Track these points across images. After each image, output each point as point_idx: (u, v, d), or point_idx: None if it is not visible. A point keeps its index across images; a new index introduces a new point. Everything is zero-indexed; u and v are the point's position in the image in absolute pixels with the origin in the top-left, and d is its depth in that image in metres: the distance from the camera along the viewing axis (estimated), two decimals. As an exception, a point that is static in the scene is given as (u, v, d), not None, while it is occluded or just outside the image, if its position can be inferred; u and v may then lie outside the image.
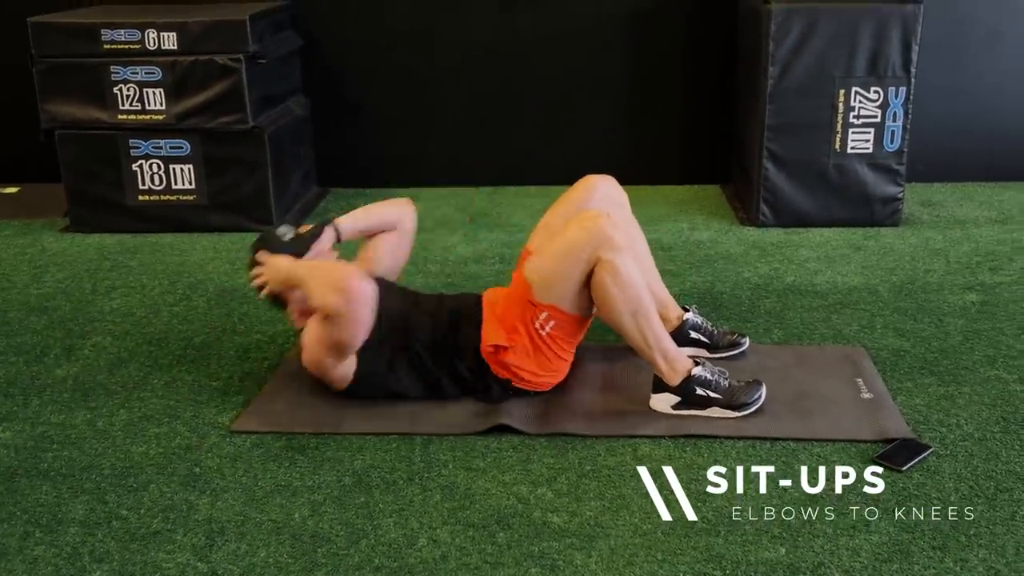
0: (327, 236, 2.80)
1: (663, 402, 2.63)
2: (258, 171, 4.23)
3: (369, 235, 2.98)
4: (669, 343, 2.61)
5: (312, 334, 2.61)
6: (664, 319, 2.78)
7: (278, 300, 2.75)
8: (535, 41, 4.75)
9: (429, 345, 2.67)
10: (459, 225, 4.32)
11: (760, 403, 2.61)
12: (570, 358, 2.73)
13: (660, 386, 2.63)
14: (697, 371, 2.59)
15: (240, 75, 4.08)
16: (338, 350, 2.59)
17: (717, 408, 2.58)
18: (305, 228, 2.84)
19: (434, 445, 2.50)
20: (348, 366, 2.64)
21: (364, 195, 4.79)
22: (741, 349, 2.95)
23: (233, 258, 3.93)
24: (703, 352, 2.91)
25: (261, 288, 2.72)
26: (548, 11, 4.71)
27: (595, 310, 2.65)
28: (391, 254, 2.98)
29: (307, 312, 2.68)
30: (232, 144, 4.19)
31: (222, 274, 3.77)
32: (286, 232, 2.78)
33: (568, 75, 4.80)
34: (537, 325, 2.61)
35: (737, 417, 2.57)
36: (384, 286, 2.73)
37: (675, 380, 2.59)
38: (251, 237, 4.15)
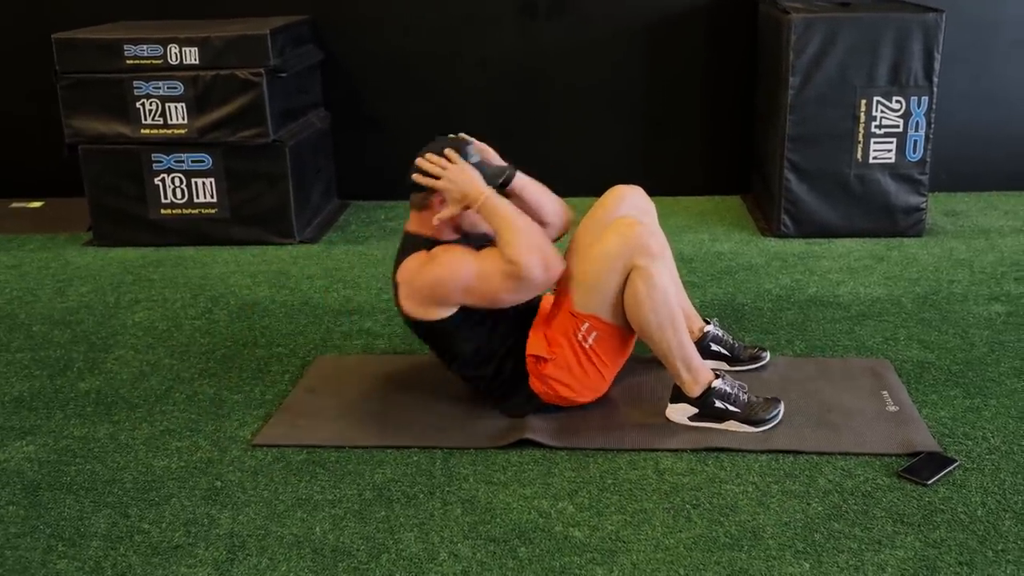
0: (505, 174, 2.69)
1: (680, 412, 2.62)
2: (279, 184, 4.25)
3: (521, 206, 2.69)
4: (694, 354, 2.60)
5: (461, 268, 2.52)
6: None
7: (426, 197, 2.61)
8: (556, 54, 4.76)
9: (503, 334, 2.63)
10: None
11: (778, 420, 2.59)
12: (611, 377, 2.69)
13: (679, 396, 2.62)
14: (718, 384, 2.58)
15: (261, 89, 4.10)
16: (480, 298, 2.53)
17: (734, 422, 2.57)
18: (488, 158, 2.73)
19: (455, 459, 2.50)
20: (450, 308, 2.58)
21: (384, 208, 4.81)
22: (762, 363, 2.93)
23: (254, 271, 3.95)
24: (724, 365, 2.89)
25: (429, 176, 2.57)
26: (568, 24, 4.71)
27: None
28: None
29: (436, 227, 2.61)
30: (253, 158, 4.22)
31: (243, 287, 3.79)
32: (473, 154, 2.64)
33: (589, 88, 4.80)
34: (580, 337, 2.59)
35: (754, 432, 2.56)
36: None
37: (695, 391, 2.58)
38: (272, 250, 4.22)
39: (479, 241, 2.66)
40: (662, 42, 4.74)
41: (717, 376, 2.60)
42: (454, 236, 2.66)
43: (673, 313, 2.54)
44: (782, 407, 2.61)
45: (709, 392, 2.57)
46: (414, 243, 2.65)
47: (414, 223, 2.69)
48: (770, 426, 2.57)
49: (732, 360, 2.92)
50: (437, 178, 2.56)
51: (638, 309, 2.52)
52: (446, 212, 2.56)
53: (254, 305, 3.60)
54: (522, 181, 2.73)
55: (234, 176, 4.25)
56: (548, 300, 2.78)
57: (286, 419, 2.73)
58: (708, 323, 2.95)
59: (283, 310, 3.55)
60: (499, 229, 2.50)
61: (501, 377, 2.66)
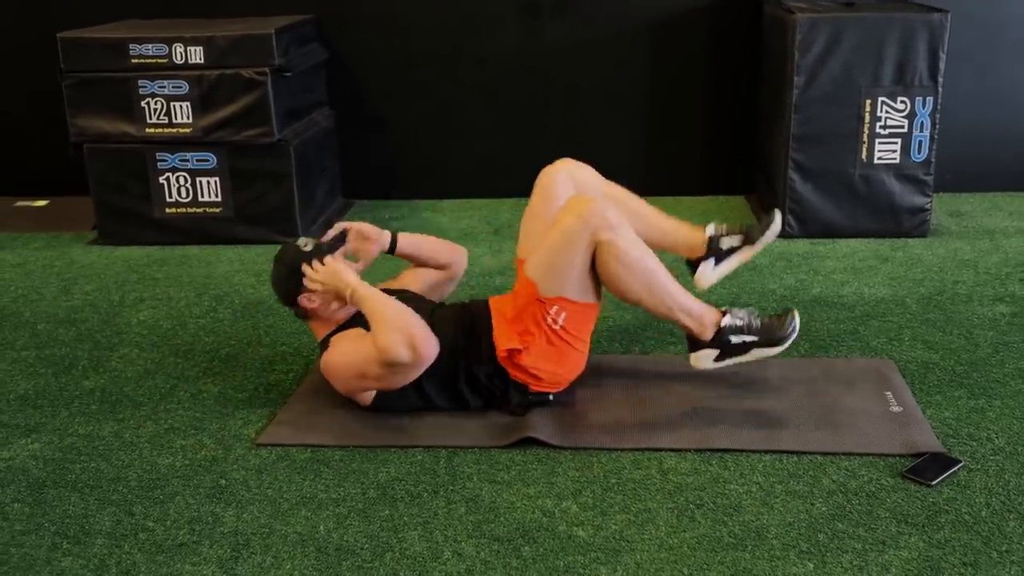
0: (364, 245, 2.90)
1: (704, 359, 2.64)
2: (284, 183, 4.25)
3: (418, 263, 3.01)
4: (690, 300, 2.61)
5: (349, 357, 2.63)
6: (688, 248, 2.82)
7: (297, 307, 2.77)
8: (558, 54, 4.76)
9: (448, 354, 2.66)
10: (484, 237, 4.32)
11: (796, 332, 2.59)
12: (586, 350, 2.71)
13: (695, 344, 2.63)
14: (727, 321, 2.59)
15: (266, 88, 4.10)
16: (374, 382, 2.62)
17: (757, 350, 2.59)
18: (328, 235, 2.87)
19: (459, 458, 2.50)
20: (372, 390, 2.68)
21: (388, 206, 4.82)
22: (775, 220, 2.81)
23: (259, 270, 3.95)
24: (747, 250, 2.84)
25: (307, 290, 2.71)
26: (571, 24, 4.71)
27: (603, 290, 2.66)
28: (430, 291, 3.00)
29: (328, 320, 2.73)
30: (258, 157, 4.22)
31: (248, 286, 3.79)
32: (306, 243, 2.79)
33: (591, 87, 4.80)
34: (549, 320, 2.60)
35: (778, 352, 2.59)
36: (413, 300, 2.75)
37: (707, 334, 2.60)
38: (277, 249, 4.21)
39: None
40: (665, 42, 4.74)
41: (724, 312, 2.60)
42: (346, 316, 2.76)
43: (653, 271, 2.56)
44: (796, 317, 2.61)
45: (721, 332, 2.58)
46: (324, 345, 2.75)
47: (316, 330, 2.81)
48: (792, 339, 2.58)
49: (749, 240, 2.84)
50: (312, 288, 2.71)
51: (619, 283, 2.55)
52: (316, 299, 2.73)
53: (258, 304, 3.60)
54: (406, 241, 2.97)
55: (239, 175, 4.25)
56: (503, 300, 2.79)
57: (290, 418, 2.74)
58: (705, 228, 2.88)
59: (287, 309, 3.53)
60: (368, 318, 2.59)
61: (479, 388, 2.68)
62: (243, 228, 4.30)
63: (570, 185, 2.81)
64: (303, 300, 2.73)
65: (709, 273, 2.81)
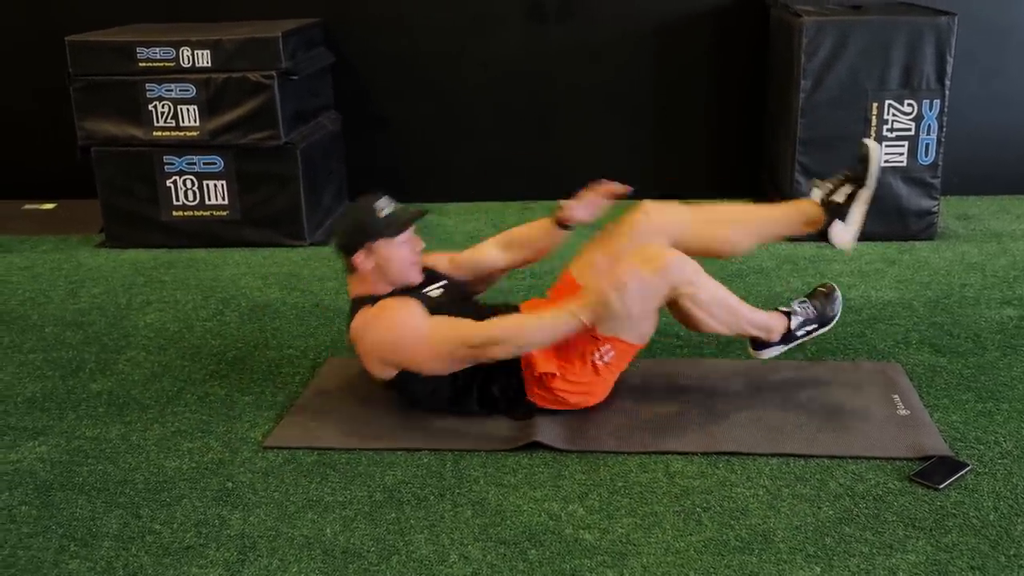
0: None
1: (770, 353, 2.77)
2: (290, 186, 4.26)
3: (532, 250, 2.95)
4: (758, 315, 2.71)
5: (400, 332, 2.58)
6: (809, 222, 2.80)
7: (350, 260, 2.72)
8: (562, 56, 4.76)
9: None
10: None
11: (841, 305, 2.80)
12: (613, 380, 2.71)
13: (762, 345, 2.76)
14: (795, 323, 2.74)
15: (273, 92, 4.11)
16: (409, 356, 2.59)
17: (817, 332, 2.78)
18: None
19: (465, 461, 2.50)
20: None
21: (395, 210, 4.82)
22: (870, 149, 2.77)
23: (266, 273, 3.96)
24: (862, 192, 2.79)
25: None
26: (576, 27, 4.72)
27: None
28: (478, 278, 2.97)
29: (369, 283, 2.72)
30: (265, 160, 4.23)
31: (254, 289, 3.80)
32: (384, 207, 2.74)
33: (596, 89, 4.80)
34: (596, 357, 2.60)
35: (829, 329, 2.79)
36: (453, 291, 2.79)
37: (776, 337, 2.74)
38: (283, 252, 4.24)
39: (414, 292, 2.72)
40: (670, 45, 4.74)
41: (788, 315, 2.74)
42: (388, 289, 2.72)
43: (729, 305, 2.64)
44: (837, 291, 2.81)
45: (789, 334, 2.74)
46: (359, 303, 2.71)
47: (354, 287, 2.77)
48: (839, 312, 2.80)
49: (858, 183, 2.79)
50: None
51: (700, 325, 2.66)
52: (369, 263, 2.71)
53: (265, 307, 3.61)
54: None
55: (245, 178, 4.26)
56: (535, 306, 2.80)
57: (297, 421, 2.74)
58: (811, 195, 2.86)
59: (294, 312, 3.56)
60: (536, 340, 2.53)
61: (487, 397, 2.67)
62: (250, 231, 4.30)
63: (656, 231, 2.75)
64: (357, 259, 2.69)
65: (843, 232, 2.77)
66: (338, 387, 2.93)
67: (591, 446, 2.54)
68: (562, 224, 2.82)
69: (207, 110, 4.17)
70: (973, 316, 3.31)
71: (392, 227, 2.69)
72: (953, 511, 2.22)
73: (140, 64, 4.16)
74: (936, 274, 3.72)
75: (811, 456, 2.46)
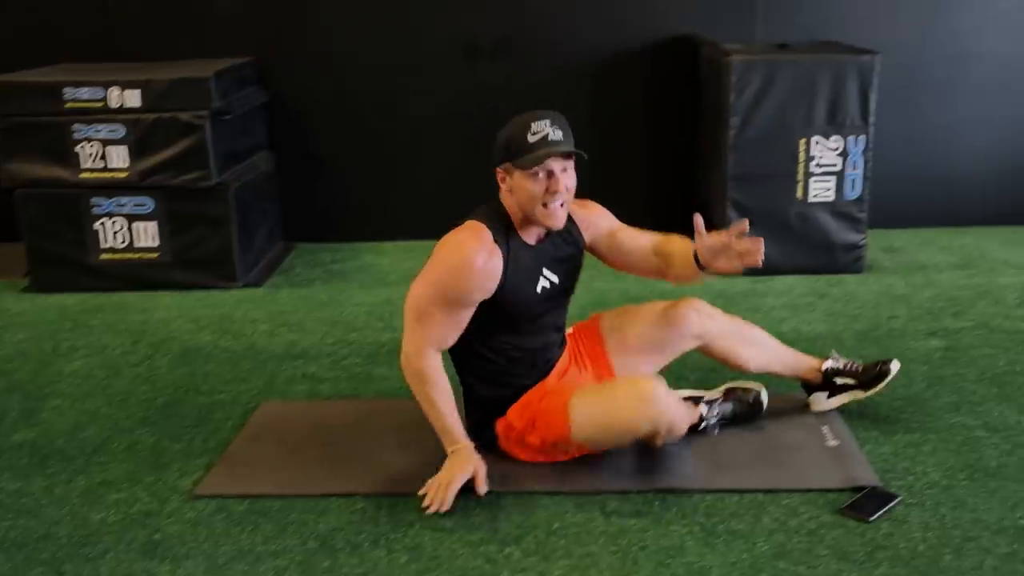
0: None
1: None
2: (223, 228, 4.21)
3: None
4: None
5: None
6: (805, 376, 2.89)
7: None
8: (498, 95, 4.78)
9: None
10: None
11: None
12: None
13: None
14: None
15: (204, 132, 4.07)
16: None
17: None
18: None
19: (400, 505, 2.47)
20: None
21: (330, 250, 4.79)
22: (891, 372, 2.84)
23: (197, 316, 3.90)
24: (857, 392, 2.86)
25: None
26: (512, 66, 4.76)
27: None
28: (618, 263, 2.78)
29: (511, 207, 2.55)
30: (196, 201, 4.17)
31: (185, 333, 3.73)
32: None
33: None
34: (562, 449, 2.59)
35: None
36: (563, 281, 2.65)
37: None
38: (215, 295, 4.18)
39: (531, 253, 2.54)
40: (605, 83, 4.80)
41: (701, 420, 2.76)
42: (518, 216, 2.51)
43: (669, 420, 2.51)
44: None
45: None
46: (475, 215, 2.56)
47: (502, 196, 2.56)
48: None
49: (862, 385, 2.86)
50: None
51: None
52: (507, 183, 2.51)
53: (196, 351, 3.54)
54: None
55: (177, 220, 4.20)
56: (574, 341, 2.78)
57: (228, 468, 2.68)
58: (825, 360, 2.90)
59: (226, 355, 3.50)
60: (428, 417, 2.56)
61: (479, 405, 2.66)
62: (181, 273, 4.23)
63: (695, 334, 2.76)
64: (498, 173, 2.53)
65: (823, 403, 2.89)
66: (271, 432, 2.88)
67: (527, 487, 2.53)
68: (703, 266, 2.60)
69: (137, 151, 4.10)
70: (900, 348, 3.38)
71: (529, 156, 2.40)
72: (884, 543, 2.24)
73: (67, 104, 4.08)
74: (864, 307, 3.80)
75: (745, 491, 2.48)
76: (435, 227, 4.86)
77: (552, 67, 4.76)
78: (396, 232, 4.92)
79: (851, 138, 4.07)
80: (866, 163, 4.10)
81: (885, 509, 2.36)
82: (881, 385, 2.85)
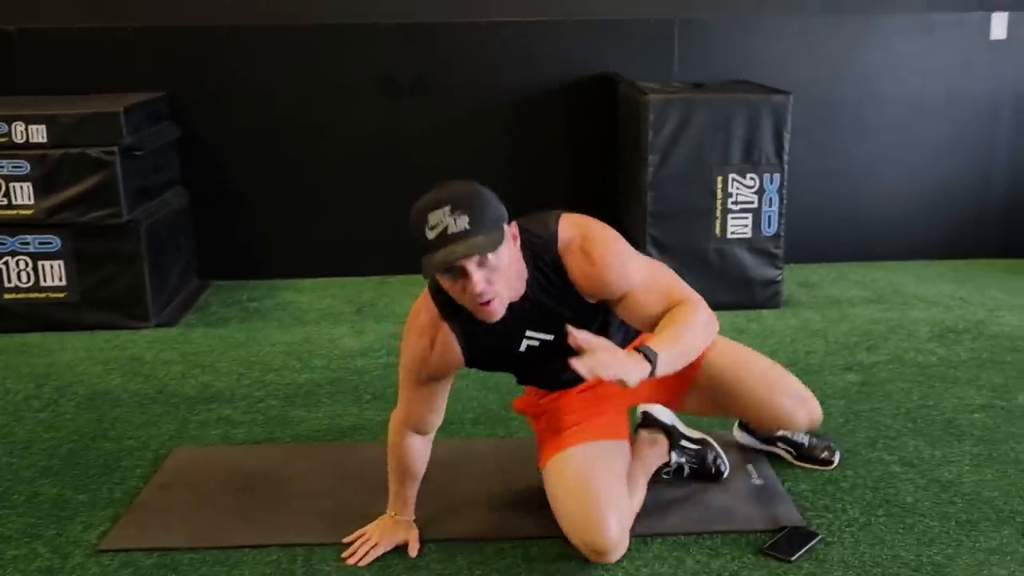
0: None
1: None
2: (134, 266, 4.08)
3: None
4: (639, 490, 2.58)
5: None
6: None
7: None
8: (419, 131, 4.77)
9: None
10: (345, 317, 4.23)
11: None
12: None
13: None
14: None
15: (114, 168, 3.95)
16: None
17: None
18: None
19: (317, 555, 2.39)
20: None
21: (247, 287, 4.68)
22: (830, 463, 2.80)
23: (106, 358, 3.76)
24: (788, 457, 2.82)
25: None
26: (431, 102, 4.74)
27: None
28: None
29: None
30: (106, 239, 4.04)
31: (94, 375, 3.59)
32: None
33: (453, 164, 4.79)
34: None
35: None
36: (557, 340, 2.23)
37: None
38: (125, 335, 4.04)
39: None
40: (526, 119, 4.81)
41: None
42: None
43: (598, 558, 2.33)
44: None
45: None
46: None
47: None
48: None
49: (798, 455, 2.81)
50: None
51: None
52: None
53: (105, 395, 3.41)
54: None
55: (85, 258, 4.06)
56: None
57: (137, 519, 2.57)
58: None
59: (136, 399, 3.37)
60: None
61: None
62: (89, 314, 4.09)
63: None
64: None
65: (751, 441, 2.88)
66: (183, 480, 2.78)
67: (447, 534, 2.47)
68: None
69: (43, 187, 3.96)
70: (818, 383, 3.42)
71: (428, 261, 2.02)
72: (805, 583, 2.25)
73: (-32, 140, 3.93)
74: (782, 341, 3.84)
75: (667, 534, 2.46)
76: (354, 264, 4.85)
77: (472, 104, 4.76)
78: (315, 269, 4.84)
79: (767, 175, 4.14)
80: (781, 200, 4.17)
81: (806, 548, 2.37)
82: (812, 465, 2.81)
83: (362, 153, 4.78)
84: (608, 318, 2.29)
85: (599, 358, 1.95)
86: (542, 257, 2.19)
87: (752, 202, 4.16)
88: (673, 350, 2.08)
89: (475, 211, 2.02)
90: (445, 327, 2.21)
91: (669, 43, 4.78)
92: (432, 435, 2.44)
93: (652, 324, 2.18)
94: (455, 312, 2.16)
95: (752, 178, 4.14)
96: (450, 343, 2.23)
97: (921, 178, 4.95)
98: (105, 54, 4.60)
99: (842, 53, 4.82)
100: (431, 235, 2.00)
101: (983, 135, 4.92)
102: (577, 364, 1.93)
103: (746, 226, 4.18)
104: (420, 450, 2.42)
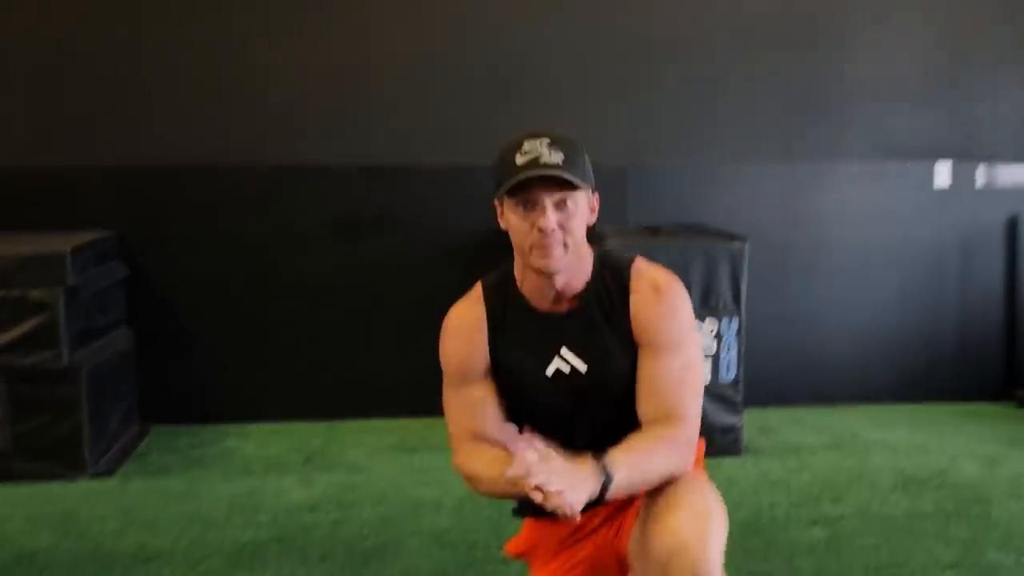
0: None
1: None
2: (73, 412, 3.90)
3: None
4: None
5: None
6: None
7: None
8: (376, 273, 4.71)
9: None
10: (293, 466, 4.06)
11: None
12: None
13: None
14: None
15: (56, 310, 3.82)
16: None
17: None
18: None
19: None
20: None
21: (189, 433, 4.49)
22: None
23: (34, 514, 3.53)
24: None
25: None
26: (390, 243, 4.70)
27: None
28: None
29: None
30: (44, 384, 3.86)
31: (20, 534, 3.36)
32: None
33: (413, 307, 4.73)
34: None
35: None
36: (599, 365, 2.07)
37: None
38: (59, 487, 3.84)
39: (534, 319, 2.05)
40: (483, 259, 4.74)
41: None
42: (519, 275, 2.10)
43: None
44: None
45: None
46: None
47: None
48: None
49: None
50: None
51: None
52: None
53: (31, 556, 3.18)
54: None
55: (21, 404, 3.87)
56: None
57: None
58: None
59: (66, 559, 3.15)
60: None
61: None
62: (23, 463, 3.87)
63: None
64: (497, 208, 2.06)
65: None
66: (113, 657, 2.57)
67: None
68: None
69: (-21, 330, 3.81)
70: (784, 538, 3.32)
71: (508, 181, 1.92)
72: None
73: (-98, 280, 3.79)
74: (745, 493, 3.75)
75: None
76: (303, 408, 4.70)
77: (431, 244, 4.72)
78: (262, 413, 4.67)
79: (725, 320, 4.13)
80: (740, 345, 4.15)
81: None
82: None
83: (316, 295, 4.70)
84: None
85: (553, 466, 1.75)
86: (612, 272, 2.05)
87: (711, 348, 4.13)
88: (630, 481, 1.86)
89: (572, 153, 1.94)
90: (477, 309, 2.11)
91: (622, 186, 4.82)
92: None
93: (636, 398, 1.99)
94: (497, 293, 2.10)
95: (711, 323, 4.12)
96: (474, 320, 2.10)
97: (873, 322, 4.99)
98: (55, 192, 4.53)
99: (795, 199, 4.90)
100: (521, 160, 1.90)
101: (932, 280, 5.00)
102: (533, 474, 1.72)
103: (706, 372, 4.14)
104: (495, 446, 1.99)
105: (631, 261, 2.08)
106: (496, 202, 2.03)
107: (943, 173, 4.96)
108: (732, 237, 4.20)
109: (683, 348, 2.01)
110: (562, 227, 1.92)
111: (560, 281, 2.00)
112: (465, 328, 2.11)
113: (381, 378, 4.72)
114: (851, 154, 4.93)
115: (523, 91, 4.73)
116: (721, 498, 2.07)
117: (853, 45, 4.88)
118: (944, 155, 4.95)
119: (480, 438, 2.05)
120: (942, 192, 4.96)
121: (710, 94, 4.82)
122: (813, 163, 4.91)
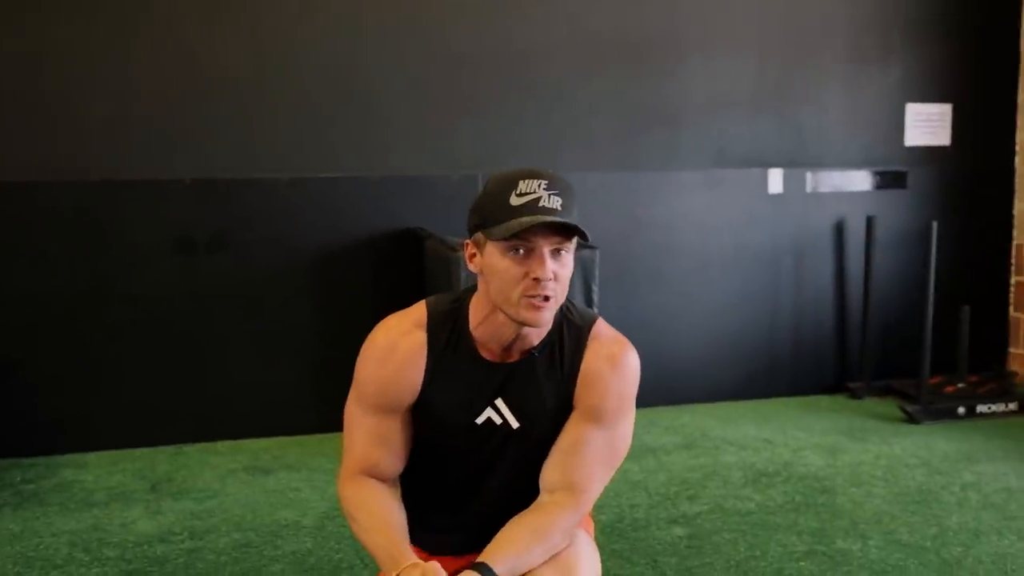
0: None
1: None
2: None
3: None
4: None
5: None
6: None
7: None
8: (218, 291, 4.52)
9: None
10: (139, 495, 3.84)
11: None
12: None
13: None
14: None
15: None
16: None
17: None
18: None
19: None
20: None
21: (21, 466, 4.18)
22: None
23: None
24: None
25: None
26: (230, 260, 4.52)
27: None
28: None
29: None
30: None
31: None
32: None
33: (257, 323, 4.59)
34: None
35: None
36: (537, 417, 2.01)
37: None
38: None
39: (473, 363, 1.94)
40: (331, 274, 4.67)
41: None
42: (485, 310, 1.92)
43: None
44: None
45: None
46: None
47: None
48: None
49: None
50: None
51: None
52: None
53: None
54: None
55: None
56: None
57: None
58: None
59: None
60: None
61: None
62: None
63: None
64: (466, 247, 1.93)
65: None
66: None
67: None
68: None
69: None
70: (647, 539, 3.38)
71: (507, 224, 1.78)
72: None
73: None
74: (606, 496, 3.79)
75: None
76: (145, 433, 4.45)
77: (275, 261, 4.58)
78: (101, 441, 4.40)
79: (578, 327, 4.18)
80: (593, 351, 4.20)
81: None
82: None
83: (152, 314, 4.46)
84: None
85: None
86: (571, 329, 1.97)
87: (566, 354, 4.17)
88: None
89: (569, 200, 1.83)
90: (418, 336, 1.94)
91: (466, 199, 4.80)
92: (397, 489, 1.98)
93: (547, 461, 1.94)
94: (444, 326, 1.95)
95: (565, 330, 4.16)
96: (410, 349, 1.93)
97: (715, 324, 5.17)
98: None
99: (637, 207, 5.03)
100: (517, 201, 1.79)
101: (769, 282, 5.23)
102: None
103: (562, 379, 4.17)
104: (389, 495, 1.93)
105: (593, 322, 2.02)
106: (470, 240, 1.90)
107: (775, 180, 5.20)
108: (584, 246, 4.26)
109: (618, 425, 1.98)
110: (555, 276, 1.82)
111: (525, 331, 1.91)
112: (399, 355, 1.94)
113: (228, 399, 4.54)
114: (689, 164, 5.10)
115: (360, 104, 4.65)
116: (596, 551, 2.04)
117: (689, 60, 5.05)
118: (776, 163, 5.20)
119: (375, 474, 1.96)
120: (775, 197, 5.21)
121: (551, 107, 4.89)
122: (653, 173, 5.06)
